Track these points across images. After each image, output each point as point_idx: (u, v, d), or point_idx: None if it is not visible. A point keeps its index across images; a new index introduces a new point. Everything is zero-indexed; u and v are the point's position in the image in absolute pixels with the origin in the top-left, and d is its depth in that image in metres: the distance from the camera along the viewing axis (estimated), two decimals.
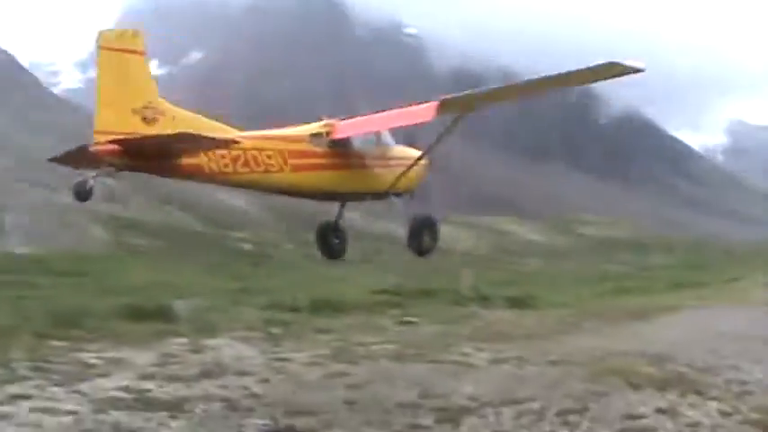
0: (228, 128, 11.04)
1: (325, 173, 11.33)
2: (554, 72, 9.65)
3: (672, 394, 10.74)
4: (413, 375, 13.19)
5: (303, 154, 11.10)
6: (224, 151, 10.10)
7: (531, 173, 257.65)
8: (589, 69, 9.40)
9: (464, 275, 39.79)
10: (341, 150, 11.49)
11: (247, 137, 10.69)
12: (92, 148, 9.55)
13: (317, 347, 17.18)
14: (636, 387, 11.35)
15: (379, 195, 12.14)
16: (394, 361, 15.05)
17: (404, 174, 11.86)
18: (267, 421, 9.53)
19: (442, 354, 16.31)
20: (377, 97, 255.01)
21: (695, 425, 8.81)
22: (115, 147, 9.27)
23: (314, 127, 11.56)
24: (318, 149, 11.25)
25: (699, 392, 10.89)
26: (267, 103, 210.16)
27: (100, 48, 9.70)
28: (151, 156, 9.66)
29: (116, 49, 9.69)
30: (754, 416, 9.01)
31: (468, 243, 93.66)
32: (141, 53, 9.93)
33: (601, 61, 8.94)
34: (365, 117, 11.99)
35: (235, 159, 10.26)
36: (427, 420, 9.63)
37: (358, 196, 12.43)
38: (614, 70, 9.30)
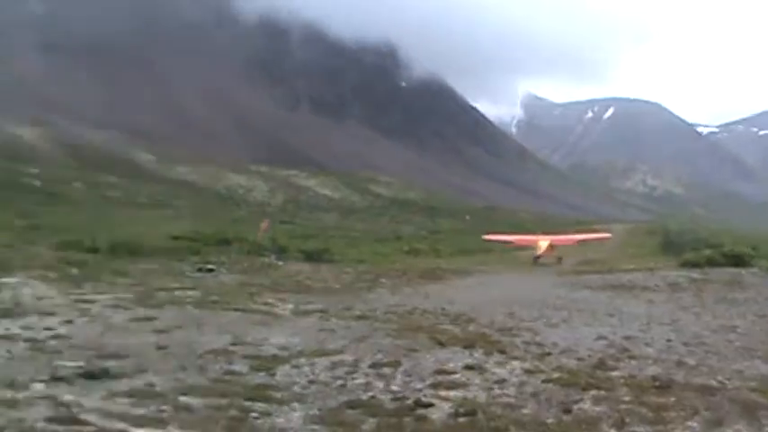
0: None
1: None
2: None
3: (477, 353, 11.08)
4: (221, 323, 13.03)
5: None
6: None
7: (330, 130, 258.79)
8: None
9: (262, 226, 39.91)
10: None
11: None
12: None
13: (117, 290, 16.73)
14: (442, 344, 11.65)
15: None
16: (199, 308, 14.82)
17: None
18: (81, 363, 9.13)
19: (247, 302, 16.30)
20: (179, 44, 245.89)
21: (502, 381, 9.22)
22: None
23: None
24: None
25: (502, 352, 11.26)
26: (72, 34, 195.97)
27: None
28: None
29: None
30: (556, 375, 9.59)
31: (264, 194, 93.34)
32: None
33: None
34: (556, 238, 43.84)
35: None
36: (242, 368, 9.57)
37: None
38: None
